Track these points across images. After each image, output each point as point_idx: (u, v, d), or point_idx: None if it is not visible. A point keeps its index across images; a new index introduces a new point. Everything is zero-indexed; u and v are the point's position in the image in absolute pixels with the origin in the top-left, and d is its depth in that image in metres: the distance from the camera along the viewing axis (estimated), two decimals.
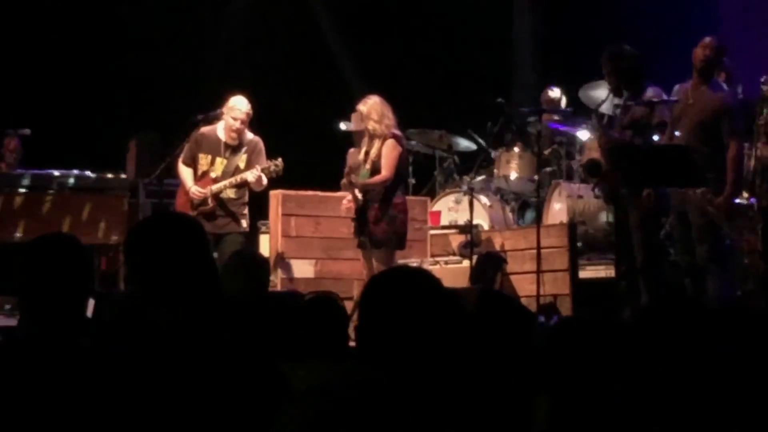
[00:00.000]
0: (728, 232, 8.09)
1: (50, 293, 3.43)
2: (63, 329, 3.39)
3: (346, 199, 9.20)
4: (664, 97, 8.44)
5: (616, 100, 8.68)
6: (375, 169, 9.08)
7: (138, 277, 3.20)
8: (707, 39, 8.24)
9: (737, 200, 8.09)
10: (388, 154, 9.04)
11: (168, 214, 3.83)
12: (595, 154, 8.84)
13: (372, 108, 9.11)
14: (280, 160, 9.27)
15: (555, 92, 11.54)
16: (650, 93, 8.48)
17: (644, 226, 8.31)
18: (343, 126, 11.20)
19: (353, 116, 10.90)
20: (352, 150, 10.54)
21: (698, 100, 8.18)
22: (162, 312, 3.13)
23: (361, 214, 9.09)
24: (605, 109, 8.83)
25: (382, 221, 8.99)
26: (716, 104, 8.13)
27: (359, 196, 9.05)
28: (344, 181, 9.28)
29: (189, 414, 2.99)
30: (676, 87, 8.41)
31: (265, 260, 7.69)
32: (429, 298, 2.87)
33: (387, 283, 2.93)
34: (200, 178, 9.38)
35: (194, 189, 9.33)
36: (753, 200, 8.16)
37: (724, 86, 8.38)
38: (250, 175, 9.20)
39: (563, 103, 11.51)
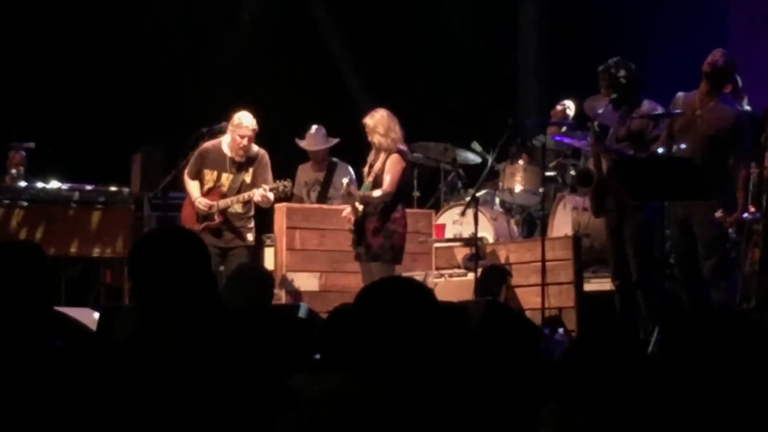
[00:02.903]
0: (733, 246, 8.08)
1: (14, 300, 3.41)
2: (29, 336, 3.38)
3: (345, 211, 9.23)
4: (659, 110, 8.44)
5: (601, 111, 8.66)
6: (377, 182, 9.10)
7: (141, 292, 3.21)
8: (718, 49, 8.24)
9: (744, 215, 8.07)
10: (391, 168, 9.06)
11: (168, 228, 3.83)
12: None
13: (378, 122, 9.12)
14: (288, 180, 9.31)
15: (569, 109, 11.52)
16: (646, 106, 8.50)
17: (637, 240, 8.35)
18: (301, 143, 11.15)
19: (307, 135, 10.92)
20: (302, 165, 10.96)
21: (708, 113, 8.14)
22: (167, 327, 3.13)
23: (359, 225, 9.11)
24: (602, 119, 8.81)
25: (379, 234, 9.01)
26: (727, 122, 8.10)
27: (359, 207, 9.07)
28: (344, 191, 9.29)
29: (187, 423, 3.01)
30: (680, 95, 8.37)
31: (268, 273, 7.70)
32: (420, 308, 2.88)
33: (378, 293, 2.93)
34: (207, 193, 9.38)
35: (200, 200, 9.34)
36: (758, 215, 8.15)
37: (735, 103, 8.32)
38: (257, 194, 9.19)
39: (572, 115, 11.48)
